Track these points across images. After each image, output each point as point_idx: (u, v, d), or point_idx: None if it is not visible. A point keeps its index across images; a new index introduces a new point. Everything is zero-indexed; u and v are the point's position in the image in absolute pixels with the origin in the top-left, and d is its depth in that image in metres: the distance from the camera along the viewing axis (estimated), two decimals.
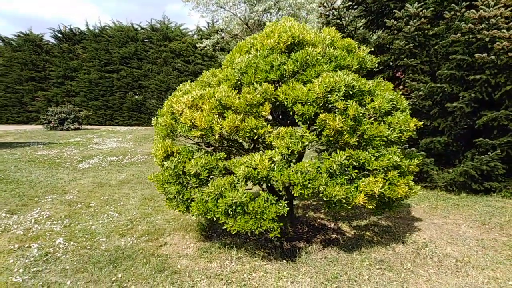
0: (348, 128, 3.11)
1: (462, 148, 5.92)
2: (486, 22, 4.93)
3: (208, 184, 3.21)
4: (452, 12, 5.50)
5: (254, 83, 3.27)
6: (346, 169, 3.10)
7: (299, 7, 13.94)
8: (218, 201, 3.11)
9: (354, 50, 3.82)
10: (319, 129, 3.17)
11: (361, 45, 6.69)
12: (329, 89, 3.11)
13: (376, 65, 4.07)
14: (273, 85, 3.31)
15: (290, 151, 3.06)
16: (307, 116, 3.14)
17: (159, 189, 3.55)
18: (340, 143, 3.19)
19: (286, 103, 3.21)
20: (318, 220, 4.57)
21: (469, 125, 5.67)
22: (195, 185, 3.38)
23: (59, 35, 18.97)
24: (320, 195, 3.01)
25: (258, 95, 3.17)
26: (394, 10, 5.74)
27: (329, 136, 3.11)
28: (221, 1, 14.38)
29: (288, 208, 3.12)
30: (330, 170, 3.04)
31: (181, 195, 3.39)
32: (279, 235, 3.13)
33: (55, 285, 3.16)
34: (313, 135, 3.13)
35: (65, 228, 4.41)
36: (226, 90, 3.27)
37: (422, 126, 5.86)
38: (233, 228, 3.10)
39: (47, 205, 5.30)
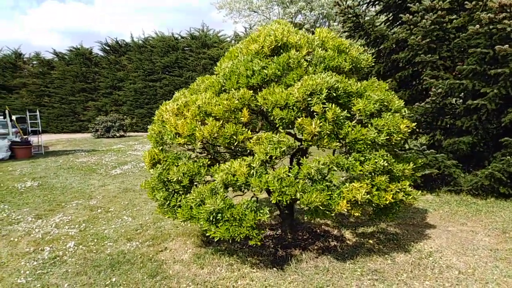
0: (328, 132, 2.98)
1: (492, 148, 5.44)
2: (508, 10, 4.50)
3: (191, 191, 3.23)
4: (474, 2, 5.09)
5: (233, 89, 3.24)
6: (326, 174, 2.98)
7: (331, 7, 13.64)
8: (200, 208, 3.12)
9: (346, 50, 3.66)
10: (299, 134, 3.09)
11: (381, 41, 6.46)
12: (309, 92, 3.01)
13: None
14: (255, 90, 3.27)
15: (268, 156, 3.00)
16: (287, 121, 3.07)
17: (149, 196, 3.64)
18: (321, 148, 3.07)
19: (266, 108, 3.16)
20: (322, 227, 4.42)
21: (499, 124, 5.21)
22: (182, 192, 3.42)
23: (107, 47, 20.15)
24: (298, 202, 2.92)
25: (236, 101, 3.14)
26: (408, 4, 5.42)
27: (307, 141, 3.01)
28: (254, 6, 14.47)
29: (268, 215, 3.06)
30: (309, 176, 2.94)
31: (168, 201, 3.44)
32: (259, 243, 3.07)
33: (53, 286, 3.34)
34: (292, 139, 3.05)
35: (79, 232, 4.65)
36: (207, 97, 3.28)
37: (445, 126, 5.55)
38: (215, 235, 3.09)
39: (71, 210, 5.63)
